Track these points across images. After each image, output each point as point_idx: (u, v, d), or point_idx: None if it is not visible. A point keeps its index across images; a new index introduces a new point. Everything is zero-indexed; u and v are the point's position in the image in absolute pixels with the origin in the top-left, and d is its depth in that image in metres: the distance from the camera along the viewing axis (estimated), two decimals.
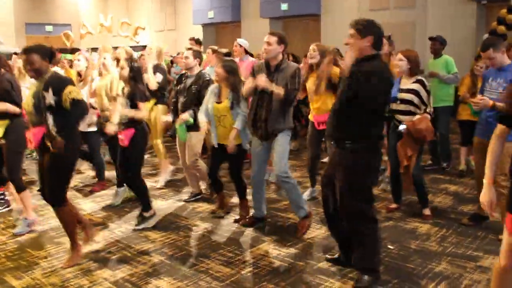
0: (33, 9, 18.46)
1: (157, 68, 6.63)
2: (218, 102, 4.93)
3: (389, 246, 4.27)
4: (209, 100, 4.97)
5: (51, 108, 3.84)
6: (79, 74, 6.41)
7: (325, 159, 7.13)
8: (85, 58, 6.37)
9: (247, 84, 4.59)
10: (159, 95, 6.55)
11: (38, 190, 4.26)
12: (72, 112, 3.86)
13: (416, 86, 4.77)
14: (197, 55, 5.57)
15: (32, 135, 3.94)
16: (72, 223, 4.13)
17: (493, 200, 2.72)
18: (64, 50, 15.71)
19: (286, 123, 4.59)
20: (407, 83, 4.83)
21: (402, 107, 4.80)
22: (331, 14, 13.98)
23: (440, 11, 11.87)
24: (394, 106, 4.84)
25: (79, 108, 3.87)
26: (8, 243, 4.58)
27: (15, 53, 9.73)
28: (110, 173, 6.41)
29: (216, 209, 5.36)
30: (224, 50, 7.91)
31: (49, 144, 3.85)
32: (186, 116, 5.28)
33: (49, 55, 3.98)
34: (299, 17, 14.95)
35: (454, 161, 7.02)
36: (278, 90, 4.39)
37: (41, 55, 3.89)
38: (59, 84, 3.85)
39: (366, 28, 3.37)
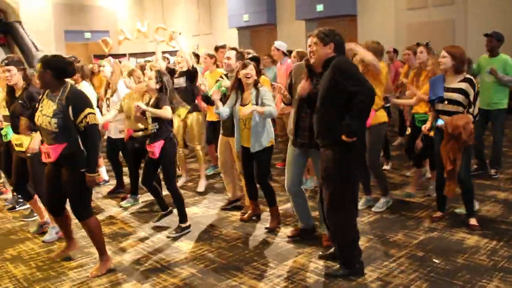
0: (71, 16, 18.75)
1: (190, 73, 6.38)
2: (243, 105, 4.77)
3: (435, 260, 3.97)
4: (235, 103, 4.86)
5: (76, 126, 3.77)
6: (107, 83, 6.36)
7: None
8: (110, 65, 6.28)
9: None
10: (195, 103, 6.38)
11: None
12: (85, 137, 3.79)
13: (464, 86, 4.45)
14: (240, 57, 5.39)
15: (52, 150, 3.81)
16: (99, 234, 4.03)
17: None
18: (103, 57, 15.97)
19: None
20: (453, 82, 4.52)
21: (450, 107, 4.49)
22: (367, 14, 13.63)
23: (480, 7, 11.38)
24: (440, 106, 4.55)
25: (92, 134, 3.78)
26: (40, 253, 4.52)
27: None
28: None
29: (247, 217, 5.15)
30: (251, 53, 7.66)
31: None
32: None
33: (65, 70, 3.86)
34: (335, 18, 14.62)
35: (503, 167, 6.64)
36: None
37: (54, 71, 3.78)
38: (79, 104, 3.75)
39: (328, 37, 3.67)
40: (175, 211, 5.02)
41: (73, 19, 18.75)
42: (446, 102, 4.49)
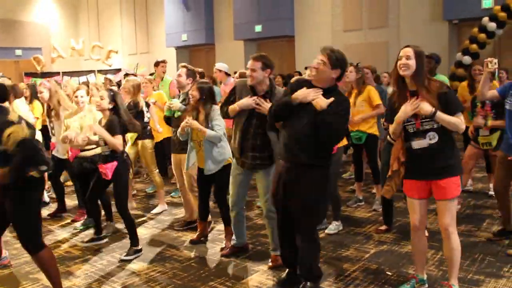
0: (1, 32, 18.00)
1: (135, 106, 6.02)
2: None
3: (387, 273, 4.10)
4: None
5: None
6: (48, 105, 6.09)
7: None
8: (46, 89, 5.98)
9: (239, 105, 4.20)
10: (144, 130, 6.18)
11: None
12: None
13: None
14: (191, 74, 5.37)
15: None
16: (54, 268, 3.69)
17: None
18: (35, 75, 15.37)
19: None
20: None
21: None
22: (305, 35, 14.03)
23: (412, 30, 12.02)
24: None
25: (25, 148, 3.37)
26: None
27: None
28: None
29: (196, 238, 5.09)
30: (199, 70, 7.59)
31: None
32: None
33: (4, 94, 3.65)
34: (273, 39, 14.95)
35: None
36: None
37: None
38: None
39: (339, 61, 3.47)
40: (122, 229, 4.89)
41: (3, 35, 17.99)
42: None
